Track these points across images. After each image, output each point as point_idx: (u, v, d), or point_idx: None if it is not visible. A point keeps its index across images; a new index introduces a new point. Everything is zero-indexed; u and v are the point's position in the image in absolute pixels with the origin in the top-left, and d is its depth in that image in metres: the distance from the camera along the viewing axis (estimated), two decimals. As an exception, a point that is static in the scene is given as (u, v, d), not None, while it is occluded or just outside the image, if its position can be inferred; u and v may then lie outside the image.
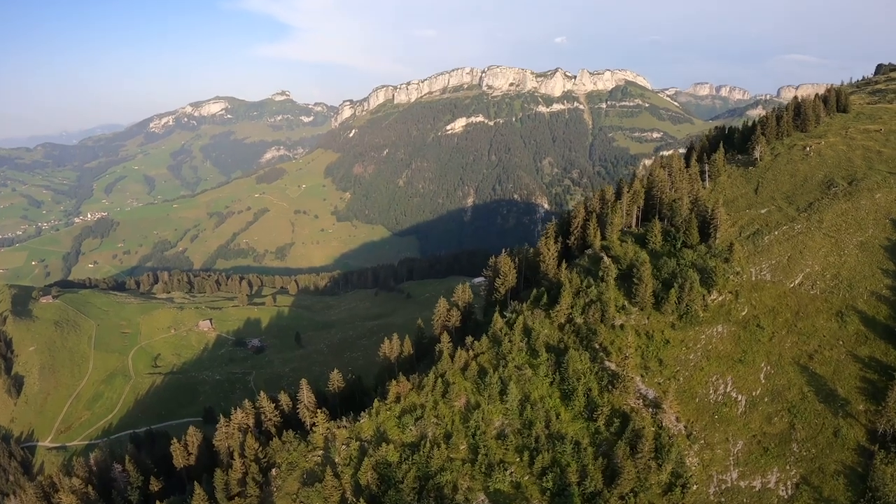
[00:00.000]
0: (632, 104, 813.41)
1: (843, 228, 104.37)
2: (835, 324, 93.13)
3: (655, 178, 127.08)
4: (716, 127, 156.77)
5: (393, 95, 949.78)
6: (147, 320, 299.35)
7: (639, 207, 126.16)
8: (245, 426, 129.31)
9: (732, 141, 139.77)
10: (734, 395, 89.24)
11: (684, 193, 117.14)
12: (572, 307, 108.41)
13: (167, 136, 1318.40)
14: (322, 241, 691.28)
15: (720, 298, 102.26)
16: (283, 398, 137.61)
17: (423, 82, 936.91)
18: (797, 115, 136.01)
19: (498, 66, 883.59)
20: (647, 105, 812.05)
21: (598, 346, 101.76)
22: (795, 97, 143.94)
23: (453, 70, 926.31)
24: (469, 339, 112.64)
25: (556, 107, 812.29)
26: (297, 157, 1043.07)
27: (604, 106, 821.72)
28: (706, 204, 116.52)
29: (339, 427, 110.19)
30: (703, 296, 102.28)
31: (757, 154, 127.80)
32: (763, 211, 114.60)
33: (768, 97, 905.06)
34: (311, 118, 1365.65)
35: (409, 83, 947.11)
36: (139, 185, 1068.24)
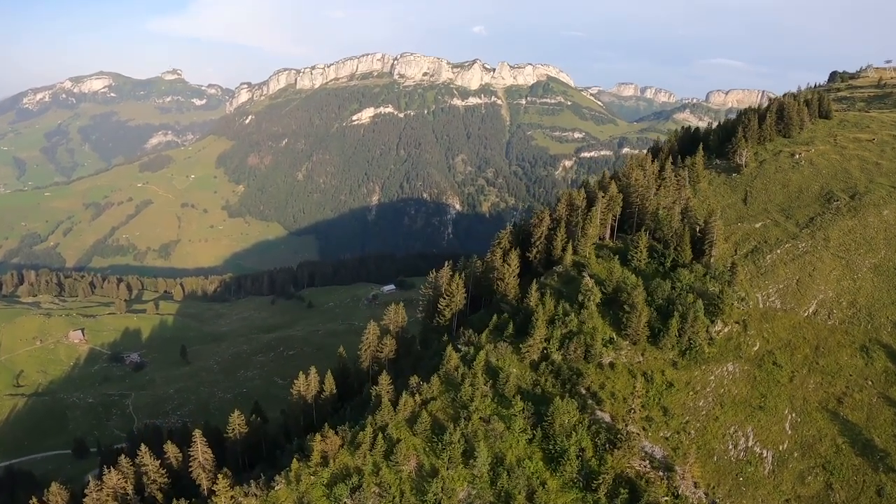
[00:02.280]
0: (553, 101, 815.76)
1: (853, 249, 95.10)
2: (860, 360, 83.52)
3: (633, 181, 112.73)
4: (683, 127, 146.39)
5: (296, 80, 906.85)
6: (8, 329, 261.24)
7: (614, 216, 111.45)
8: (122, 492, 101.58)
9: (707, 143, 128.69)
10: (758, 450, 77.01)
11: (675, 201, 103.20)
12: (547, 340, 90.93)
13: (42, 113, 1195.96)
14: (211, 239, 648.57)
15: (726, 330, 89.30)
16: (171, 450, 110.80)
17: (329, 67, 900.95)
18: (780, 119, 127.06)
19: (412, 54, 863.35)
20: (569, 103, 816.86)
21: (584, 392, 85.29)
22: (782, 97, 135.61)
23: (363, 56, 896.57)
24: (414, 380, 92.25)
25: (473, 100, 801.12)
26: (187, 144, 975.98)
27: (523, 102, 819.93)
28: (696, 215, 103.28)
29: (246, 495, 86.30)
30: (707, 327, 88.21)
31: (742, 159, 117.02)
32: (758, 225, 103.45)
33: (696, 101, 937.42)
34: (204, 101, 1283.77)
35: (313, 67, 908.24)
36: (8, 169, 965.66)
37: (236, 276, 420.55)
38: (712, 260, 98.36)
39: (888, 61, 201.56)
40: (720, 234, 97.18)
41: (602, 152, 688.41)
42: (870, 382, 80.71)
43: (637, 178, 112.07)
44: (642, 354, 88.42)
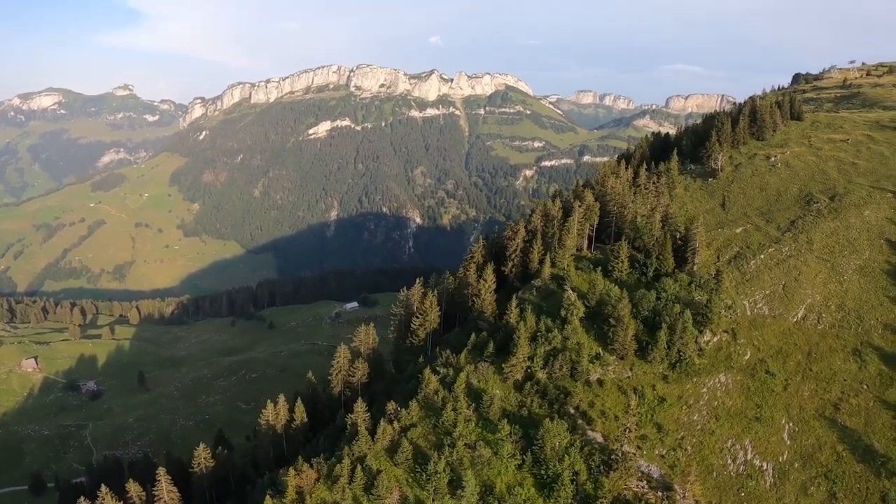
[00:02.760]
0: (512, 111, 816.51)
1: (837, 251, 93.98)
2: (853, 365, 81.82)
3: (609, 189, 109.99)
4: (653, 132, 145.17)
5: (250, 94, 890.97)
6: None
7: (592, 226, 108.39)
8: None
9: (680, 148, 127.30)
10: (758, 462, 74.39)
11: (654, 209, 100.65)
12: (531, 359, 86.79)
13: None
14: (167, 259, 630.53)
15: (715, 340, 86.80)
16: (134, 489, 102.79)
17: (284, 80, 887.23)
18: (753, 122, 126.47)
19: (368, 66, 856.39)
20: (528, 112, 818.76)
21: (574, 411, 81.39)
22: (753, 99, 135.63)
23: (318, 68, 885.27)
24: (392, 406, 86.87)
25: (431, 112, 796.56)
26: (140, 162, 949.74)
27: (482, 112, 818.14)
28: (676, 222, 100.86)
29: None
30: (696, 338, 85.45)
31: (718, 164, 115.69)
32: (738, 230, 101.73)
33: (656, 107, 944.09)
34: (157, 117, 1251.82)
35: (268, 80, 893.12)
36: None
37: (194, 298, 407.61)
38: (695, 268, 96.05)
39: (851, 62, 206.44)
40: (702, 241, 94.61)
41: (563, 161, 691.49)
42: (865, 386, 78.99)
43: (613, 186, 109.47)
44: (631, 369, 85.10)
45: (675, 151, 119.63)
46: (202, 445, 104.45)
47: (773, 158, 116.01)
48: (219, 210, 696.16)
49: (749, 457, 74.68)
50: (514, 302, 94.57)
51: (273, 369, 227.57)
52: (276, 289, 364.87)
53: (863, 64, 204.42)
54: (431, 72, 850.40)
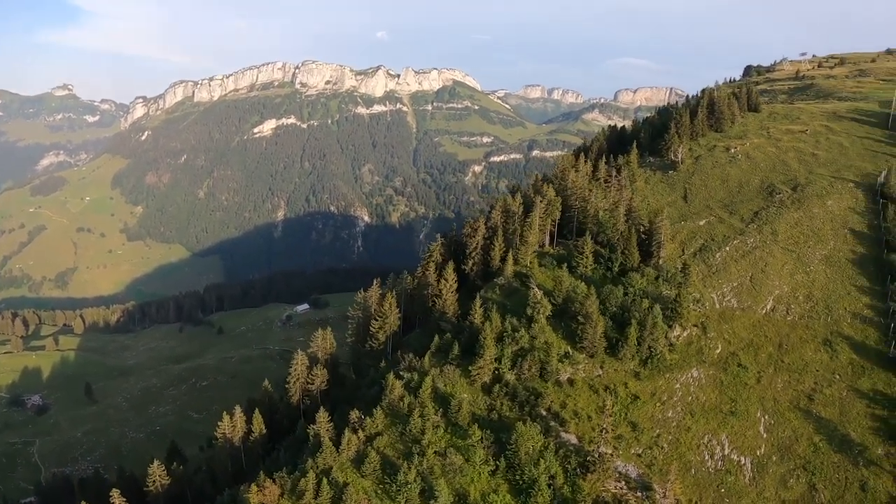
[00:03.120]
0: (460, 106, 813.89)
1: (802, 241, 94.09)
2: (825, 355, 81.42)
3: (570, 183, 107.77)
4: (611, 125, 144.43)
5: (193, 92, 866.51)
6: None
7: (553, 221, 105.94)
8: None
9: (638, 140, 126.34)
10: (735, 457, 73.16)
11: (617, 202, 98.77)
12: (498, 360, 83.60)
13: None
14: (111, 265, 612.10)
15: (685, 334, 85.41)
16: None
17: (228, 78, 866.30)
18: (711, 114, 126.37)
19: (314, 62, 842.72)
20: (476, 107, 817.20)
21: (545, 413, 78.70)
22: (710, 91, 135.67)
23: (263, 65, 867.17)
24: (355, 415, 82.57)
25: (378, 108, 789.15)
26: (81, 164, 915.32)
27: (430, 108, 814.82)
28: (640, 215, 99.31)
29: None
30: (665, 333, 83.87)
31: (678, 156, 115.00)
32: (702, 222, 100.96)
33: (605, 100, 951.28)
34: (98, 117, 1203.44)
35: (212, 78, 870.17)
36: None
37: (140, 304, 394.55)
38: (661, 262, 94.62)
39: (803, 54, 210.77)
40: (667, 235, 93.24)
41: (512, 156, 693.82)
42: (837, 376, 78.73)
43: (574, 180, 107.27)
44: (601, 367, 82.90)
45: (634, 144, 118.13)
46: (156, 462, 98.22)
47: (733, 150, 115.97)
48: (163, 213, 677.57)
49: (727, 452, 73.43)
50: (477, 302, 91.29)
51: (224, 376, 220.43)
52: (225, 292, 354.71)
53: (813, 56, 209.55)
54: (378, 68, 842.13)
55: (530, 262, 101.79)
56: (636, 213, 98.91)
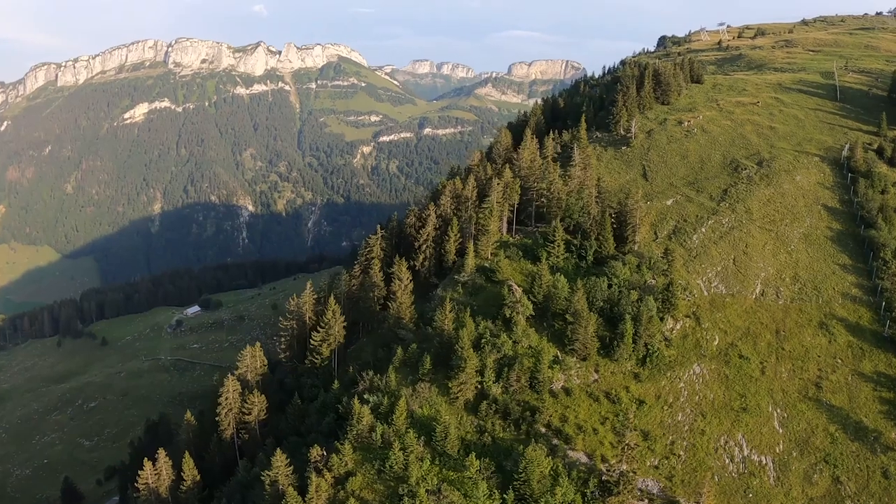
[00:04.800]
0: (346, 84, 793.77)
1: (778, 219, 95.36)
2: (823, 339, 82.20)
3: (526, 163, 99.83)
4: (545, 98, 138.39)
5: (56, 76, 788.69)
6: None
7: (512, 207, 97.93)
8: None
9: (578, 114, 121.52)
10: (756, 457, 71.50)
11: (584, 183, 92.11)
12: (480, 372, 74.18)
13: None
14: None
15: (679, 327, 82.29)
16: None
17: (94, 59, 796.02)
18: (657, 85, 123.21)
19: (188, 39, 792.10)
20: (363, 84, 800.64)
21: (545, 430, 71.36)
22: (651, 63, 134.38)
23: (132, 43, 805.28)
24: (316, 452, 70.29)
25: (258, 88, 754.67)
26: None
27: (314, 86, 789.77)
28: (608, 197, 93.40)
29: None
30: (659, 327, 78.43)
31: (631, 131, 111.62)
32: (669, 202, 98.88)
33: (498, 74, 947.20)
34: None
35: (76, 60, 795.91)
36: None
37: (10, 317, 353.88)
38: (636, 247, 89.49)
39: (721, 24, 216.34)
40: (644, 217, 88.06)
41: (402, 135, 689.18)
42: (839, 361, 79.58)
43: (531, 160, 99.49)
44: (596, 371, 77.43)
45: (582, 118, 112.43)
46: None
47: (685, 124, 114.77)
48: (28, 211, 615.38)
49: (746, 453, 71.83)
50: (447, 303, 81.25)
51: (114, 395, 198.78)
52: (105, 298, 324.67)
53: (728, 27, 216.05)
54: (258, 44, 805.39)
55: (493, 255, 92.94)
56: (604, 195, 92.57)
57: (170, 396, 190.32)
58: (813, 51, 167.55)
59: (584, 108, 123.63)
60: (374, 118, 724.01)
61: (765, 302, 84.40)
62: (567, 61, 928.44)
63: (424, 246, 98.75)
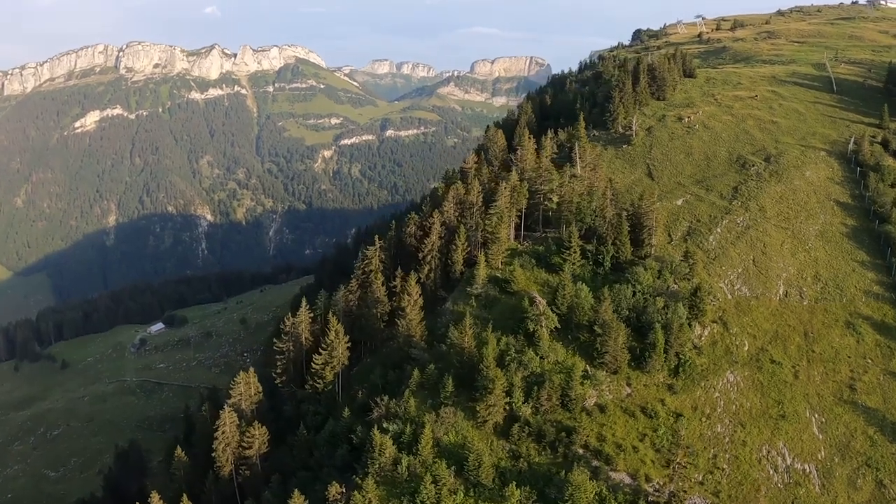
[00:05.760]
0: (305, 86, 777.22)
1: (793, 217, 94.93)
2: (851, 339, 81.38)
3: (530, 165, 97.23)
4: (531, 96, 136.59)
5: (3, 84, 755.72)
6: None
7: (519, 212, 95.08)
8: None
9: (572, 111, 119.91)
10: (799, 466, 70.46)
11: (595, 185, 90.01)
12: (508, 393, 71.00)
13: None
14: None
15: (706, 333, 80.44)
16: None
17: (42, 66, 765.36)
18: (652, 80, 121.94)
19: (139, 43, 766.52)
20: (322, 86, 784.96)
21: (583, 451, 68.34)
22: (643, 58, 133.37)
23: (82, 49, 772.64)
24: (335, 490, 66.17)
25: (214, 92, 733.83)
26: None
27: (271, 89, 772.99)
28: (621, 199, 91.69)
29: None
30: (689, 334, 76.83)
31: (632, 128, 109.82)
32: (679, 202, 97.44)
33: (460, 73, 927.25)
34: None
35: (23, 67, 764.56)
36: None
37: None
38: (653, 251, 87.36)
39: (698, 16, 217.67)
40: (660, 219, 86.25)
41: (364, 137, 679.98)
42: (869, 361, 79.08)
43: (536, 162, 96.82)
44: (628, 385, 75.25)
45: (581, 116, 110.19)
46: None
47: (685, 120, 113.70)
48: None
49: (789, 462, 70.49)
50: (467, 320, 77.36)
51: (78, 421, 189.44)
52: (63, 318, 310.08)
53: (704, 18, 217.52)
54: (212, 47, 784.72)
55: (503, 264, 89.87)
56: (619, 196, 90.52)
57: (138, 421, 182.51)
58: (798, 42, 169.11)
59: (577, 105, 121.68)
60: (334, 121, 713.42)
61: (789, 303, 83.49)
62: (531, 57, 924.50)
63: (429, 257, 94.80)
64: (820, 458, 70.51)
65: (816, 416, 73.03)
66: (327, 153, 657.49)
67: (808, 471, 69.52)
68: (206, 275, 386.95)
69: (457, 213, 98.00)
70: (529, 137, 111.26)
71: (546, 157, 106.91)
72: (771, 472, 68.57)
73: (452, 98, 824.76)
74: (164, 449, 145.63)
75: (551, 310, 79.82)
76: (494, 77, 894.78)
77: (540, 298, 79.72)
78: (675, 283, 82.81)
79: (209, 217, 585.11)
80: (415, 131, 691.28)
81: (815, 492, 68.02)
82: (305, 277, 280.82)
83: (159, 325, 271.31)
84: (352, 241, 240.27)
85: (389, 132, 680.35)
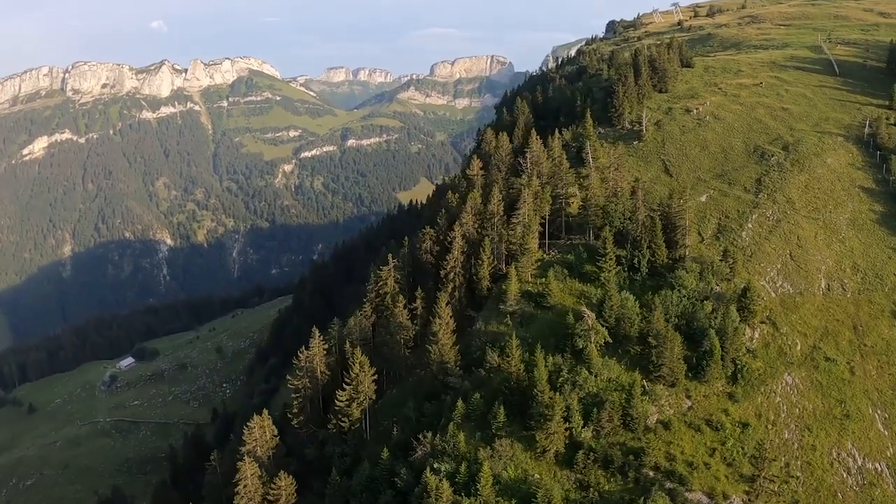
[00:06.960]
0: (260, 99, 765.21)
1: (821, 207, 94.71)
2: None
3: (547, 169, 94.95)
4: (520, 92, 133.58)
5: None
6: None
7: (543, 219, 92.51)
8: None
9: (574, 109, 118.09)
10: (870, 465, 70.06)
11: (623, 186, 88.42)
12: (566, 418, 68.25)
13: None
14: None
15: (757, 335, 78.81)
16: None
17: None
18: (654, 72, 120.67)
19: (86, 63, 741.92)
20: (278, 98, 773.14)
21: (653, 473, 65.58)
22: (640, 49, 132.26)
23: (25, 72, 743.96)
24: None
25: (166, 110, 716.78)
26: None
27: (226, 104, 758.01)
28: (649, 199, 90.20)
29: None
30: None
31: (642, 123, 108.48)
32: (703, 198, 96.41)
33: (420, 76, 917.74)
34: None
35: None
36: None
37: None
38: (687, 252, 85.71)
39: (674, 4, 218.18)
40: (693, 219, 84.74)
41: (325, 148, 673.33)
42: None
43: (543, 162, 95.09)
44: (688, 397, 73.47)
45: (588, 113, 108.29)
46: None
47: (694, 112, 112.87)
48: None
49: (860, 462, 69.80)
50: (514, 339, 74.38)
51: (52, 469, 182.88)
52: (26, 358, 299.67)
53: (679, 6, 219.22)
54: (161, 63, 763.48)
55: (533, 276, 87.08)
56: (648, 197, 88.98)
57: (116, 464, 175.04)
58: (784, 25, 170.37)
59: (579, 102, 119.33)
60: (292, 133, 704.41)
61: (833, 297, 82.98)
62: (492, 56, 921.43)
63: (452, 274, 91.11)
64: (889, 454, 70.07)
65: (879, 412, 72.57)
66: (288, 167, 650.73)
67: (879, 470, 69.02)
68: (174, 302, 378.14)
69: (476, 225, 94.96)
70: (537, 139, 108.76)
71: (563, 158, 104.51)
72: (844, 476, 67.70)
73: (413, 103, 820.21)
74: (149, 493, 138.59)
75: (599, 323, 77.77)
76: (455, 79, 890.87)
77: (589, 312, 77.30)
78: (718, 285, 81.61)
79: (169, 241, 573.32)
80: (377, 139, 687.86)
81: (889, 490, 67.60)
82: (280, 299, 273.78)
83: (129, 360, 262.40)
84: (331, 259, 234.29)
85: (351, 142, 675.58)
